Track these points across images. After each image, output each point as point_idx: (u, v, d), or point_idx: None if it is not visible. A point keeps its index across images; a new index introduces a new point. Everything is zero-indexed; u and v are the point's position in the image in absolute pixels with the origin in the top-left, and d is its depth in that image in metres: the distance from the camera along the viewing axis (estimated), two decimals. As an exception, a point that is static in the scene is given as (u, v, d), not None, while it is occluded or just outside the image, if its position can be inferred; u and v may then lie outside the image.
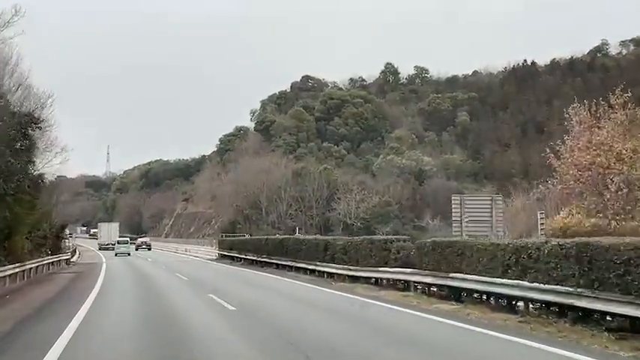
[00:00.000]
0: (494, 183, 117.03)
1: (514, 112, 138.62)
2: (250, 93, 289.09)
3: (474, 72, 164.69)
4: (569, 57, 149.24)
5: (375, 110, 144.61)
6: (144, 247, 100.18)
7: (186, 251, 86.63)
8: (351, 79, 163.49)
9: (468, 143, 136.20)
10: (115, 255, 73.63)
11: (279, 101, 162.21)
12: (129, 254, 74.43)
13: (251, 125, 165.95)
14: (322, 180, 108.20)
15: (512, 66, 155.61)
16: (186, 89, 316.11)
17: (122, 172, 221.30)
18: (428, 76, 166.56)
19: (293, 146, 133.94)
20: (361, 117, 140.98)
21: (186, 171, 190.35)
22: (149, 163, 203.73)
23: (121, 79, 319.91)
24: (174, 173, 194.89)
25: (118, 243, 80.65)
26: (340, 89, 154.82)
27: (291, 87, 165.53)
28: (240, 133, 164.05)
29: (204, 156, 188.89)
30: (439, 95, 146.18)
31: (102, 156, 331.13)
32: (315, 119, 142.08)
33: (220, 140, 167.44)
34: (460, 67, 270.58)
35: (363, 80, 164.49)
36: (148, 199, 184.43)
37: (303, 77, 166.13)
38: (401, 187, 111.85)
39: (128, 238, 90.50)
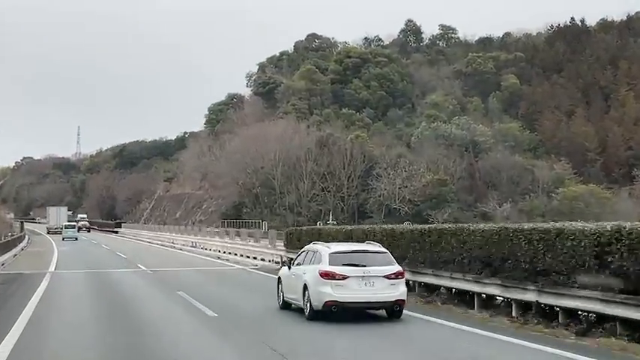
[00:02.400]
0: (564, 158, 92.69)
1: (571, 76, 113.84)
2: (239, 57, 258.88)
3: (505, 33, 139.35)
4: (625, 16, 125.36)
5: (402, 72, 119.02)
6: (84, 230, 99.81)
7: (192, 247, 54.72)
8: (366, 39, 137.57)
9: (517, 111, 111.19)
10: (63, 239, 71.80)
11: (280, 63, 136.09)
12: (76, 239, 73.72)
13: (247, 92, 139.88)
14: (355, 151, 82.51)
15: (556, 25, 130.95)
16: (161, 62, 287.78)
17: (94, 152, 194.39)
18: (455, 36, 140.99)
19: (305, 113, 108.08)
20: (386, 79, 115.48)
21: (167, 150, 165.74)
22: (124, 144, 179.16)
23: (89, 51, 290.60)
24: (152, 152, 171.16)
25: (66, 227, 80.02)
26: (355, 48, 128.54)
27: (294, 47, 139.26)
28: (233, 100, 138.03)
29: (185, 133, 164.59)
30: (480, 54, 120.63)
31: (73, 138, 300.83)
32: (330, 81, 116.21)
33: (210, 110, 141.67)
34: (486, 28, 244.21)
35: (380, 40, 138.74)
36: (123, 180, 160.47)
37: (309, 35, 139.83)
38: (453, 163, 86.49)
39: (75, 223, 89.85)
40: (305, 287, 16.12)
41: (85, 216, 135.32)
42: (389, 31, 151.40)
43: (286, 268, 18.41)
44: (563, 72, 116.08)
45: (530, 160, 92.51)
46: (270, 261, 33.99)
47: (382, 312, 16.28)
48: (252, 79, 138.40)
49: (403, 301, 15.92)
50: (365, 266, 15.80)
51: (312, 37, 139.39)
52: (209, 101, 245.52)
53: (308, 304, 15.97)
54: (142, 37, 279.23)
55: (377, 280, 15.64)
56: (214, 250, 45.69)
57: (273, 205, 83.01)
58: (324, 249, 16.59)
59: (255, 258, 36.48)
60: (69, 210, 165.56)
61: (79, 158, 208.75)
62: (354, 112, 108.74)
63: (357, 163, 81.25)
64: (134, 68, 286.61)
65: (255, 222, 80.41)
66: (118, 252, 48.63)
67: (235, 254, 40.30)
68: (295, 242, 28.38)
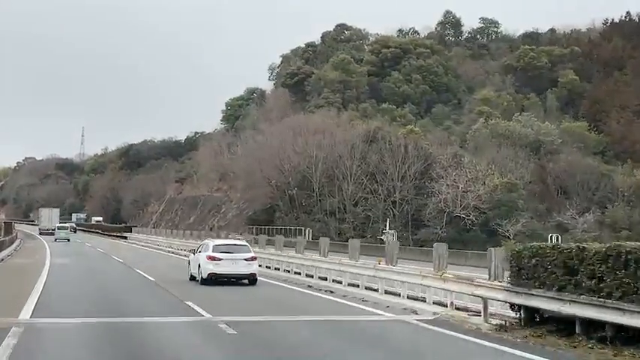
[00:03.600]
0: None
1: (635, 73, 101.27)
2: (255, 52, 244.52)
3: (550, 29, 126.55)
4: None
5: (446, 65, 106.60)
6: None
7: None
8: (400, 31, 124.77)
9: (577, 110, 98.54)
10: (55, 240, 71.05)
11: (305, 55, 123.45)
12: (68, 240, 72.71)
13: (269, 86, 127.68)
14: (409, 148, 69.85)
15: (610, 20, 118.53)
16: (170, 58, 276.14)
17: (99, 153, 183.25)
18: (497, 30, 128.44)
19: (338, 107, 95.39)
20: (429, 72, 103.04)
21: (176, 150, 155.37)
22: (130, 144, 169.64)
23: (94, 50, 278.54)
24: (160, 152, 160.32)
25: (58, 229, 79.70)
26: (393, 37, 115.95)
27: (322, 38, 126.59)
28: (254, 95, 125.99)
29: (196, 133, 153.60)
30: (533, 47, 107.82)
31: (77, 138, 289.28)
32: (366, 73, 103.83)
33: (228, 106, 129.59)
34: (522, 23, 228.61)
35: (416, 32, 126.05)
36: (129, 181, 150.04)
37: (337, 26, 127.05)
38: (519, 165, 73.90)
39: (68, 224, 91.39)
40: (199, 265, 25.89)
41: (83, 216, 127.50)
42: (424, 23, 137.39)
43: (192, 254, 28.20)
44: (625, 69, 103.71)
45: (603, 165, 79.91)
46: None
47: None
48: (276, 71, 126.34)
49: (255, 274, 25.70)
50: (233, 253, 25.83)
51: (342, 27, 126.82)
52: (222, 99, 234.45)
53: (200, 275, 25.72)
54: (150, 33, 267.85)
55: (240, 261, 25.58)
56: (284, 271, 30.41)
57: (312, 209, 70.41)
58: (211, 243, 27.17)
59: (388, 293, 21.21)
60: (72, 212, 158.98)
61: (82, 159, 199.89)
62: (394, 107, 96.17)
63: (411, 162, 68.54)
64: (143, 66, 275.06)
65: (290, 229, 67.87)
66: (142, 272, 31.87)
67: (326, 279, 25.72)
68: (531, 273, 14.40)
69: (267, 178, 75.24)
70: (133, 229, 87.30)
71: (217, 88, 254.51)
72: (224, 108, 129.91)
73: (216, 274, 24.83)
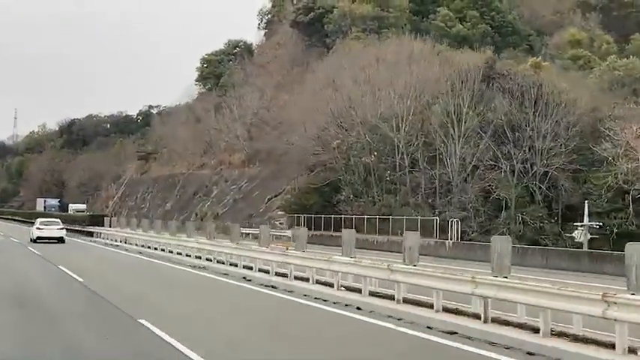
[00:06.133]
0: None
1: None
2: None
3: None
4: None
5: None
6: None
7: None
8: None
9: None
10: None
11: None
12: None
13: (258, 36, 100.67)
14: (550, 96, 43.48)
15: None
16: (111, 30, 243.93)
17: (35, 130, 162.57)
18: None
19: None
20: (489, 7, 77.39)
21: (128, 126, 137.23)
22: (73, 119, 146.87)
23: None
24: (110, 129, 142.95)
25: None
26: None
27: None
28: (238, 48, 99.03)
29: (150, 106, 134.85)
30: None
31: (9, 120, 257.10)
32: (408, 8, 77.62)
33: (204, 62, 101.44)
34: None
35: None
36: (73, 161, 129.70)
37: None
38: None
39: None
40: (32, 232, 44.55)
41: None
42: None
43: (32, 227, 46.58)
44: None
45: None
46: None
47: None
48: (267, 17, 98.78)
49: (63, 237, 43.90)
50: (50, 225, 45.36)
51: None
52: (177, 72, 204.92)
53: (31, 237, 43.87)
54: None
55: (54, 230, 44.38)
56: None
57: (395, 186, 43.57)
58: (39, 220, 47.40)
59: None
60: (3, 198, 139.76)
61: (16, 141, 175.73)
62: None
63: (563, 112, 42.26)
64: (75, 37, 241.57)
65: (368, 219, 41.27)
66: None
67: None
68: None
69: (317, 140, 47.81)
70: (105, 220, 53.22)
71: (167, 59, 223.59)
72: (199, 65, 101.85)
73: (41, 237, 42.75)
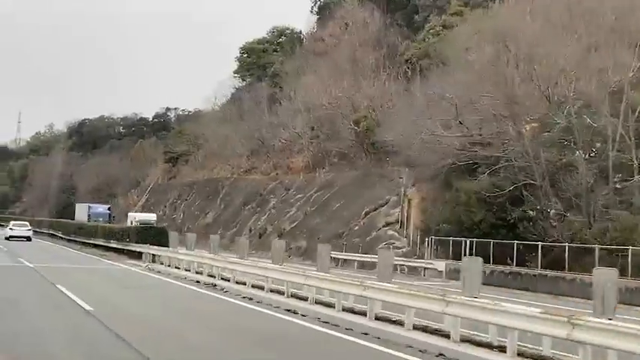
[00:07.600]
0: None
1: None
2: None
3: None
4: None
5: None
6: None
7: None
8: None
9: None
10: None
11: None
12: None
13: (311, 20, 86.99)
14: None
15: None
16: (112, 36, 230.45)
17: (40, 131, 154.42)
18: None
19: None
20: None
21: (141, 131, 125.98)
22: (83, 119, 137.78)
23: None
24: (123, 133, 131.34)
25: None
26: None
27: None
28: (286, 34, 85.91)
29: (168, 108, 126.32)
30: None
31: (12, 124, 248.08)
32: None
33: (244, 51, 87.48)
34: None
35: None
36: (83, 165, 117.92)
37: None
38: None
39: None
40: (6, 233, 58.80)
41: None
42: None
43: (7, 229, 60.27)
44: None
45: None
46: None
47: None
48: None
49: (30, 236, 57.52)
50: (21, 227, 59.69)
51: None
52: (191, 74, 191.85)
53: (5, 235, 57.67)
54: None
55: (24, 230, 58.62)
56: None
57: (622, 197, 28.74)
58: (11, 223, 62.51)
59: None
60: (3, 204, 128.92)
61: (19, 146, 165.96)
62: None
63: None
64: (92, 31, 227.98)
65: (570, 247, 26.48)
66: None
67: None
68: None
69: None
70: (170, 236, 34.43)
71: (185, 60, 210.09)
72: (238, 55, 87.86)
73: (12, 235, 55.09)
